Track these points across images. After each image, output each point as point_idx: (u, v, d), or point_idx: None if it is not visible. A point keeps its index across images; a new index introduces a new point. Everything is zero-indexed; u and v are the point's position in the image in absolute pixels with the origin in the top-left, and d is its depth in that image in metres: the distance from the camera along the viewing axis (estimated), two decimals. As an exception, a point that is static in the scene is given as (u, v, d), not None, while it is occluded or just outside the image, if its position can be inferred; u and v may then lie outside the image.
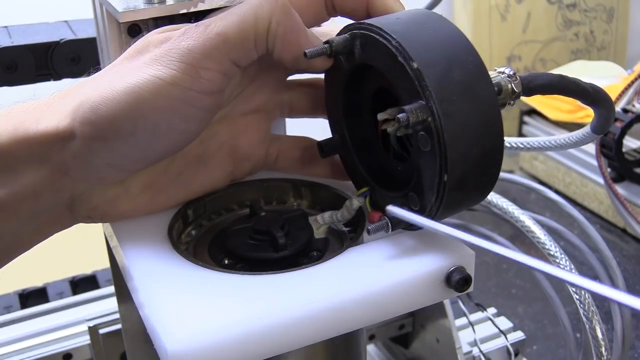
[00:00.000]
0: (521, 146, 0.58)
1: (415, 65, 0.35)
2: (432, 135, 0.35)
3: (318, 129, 0.51)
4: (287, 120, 0.56)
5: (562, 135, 0.55)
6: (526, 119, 1.37)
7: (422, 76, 0.35)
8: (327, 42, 0.40)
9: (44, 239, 0.43)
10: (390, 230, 0.40)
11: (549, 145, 0.57)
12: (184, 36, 0.39)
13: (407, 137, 0.42)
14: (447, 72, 0.35)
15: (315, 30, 0.45)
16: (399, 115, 0.35)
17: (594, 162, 1.10)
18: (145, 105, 0.38)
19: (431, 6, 0.60)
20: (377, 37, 0.37)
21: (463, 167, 0.36)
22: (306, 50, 0.40)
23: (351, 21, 0.41)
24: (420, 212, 0.39)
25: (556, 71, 1.42)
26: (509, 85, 0.40)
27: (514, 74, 0.40)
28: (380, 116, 0.40)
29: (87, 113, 0.38)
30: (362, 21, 0.39)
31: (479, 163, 0.37)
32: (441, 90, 0.35)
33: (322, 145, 0.45)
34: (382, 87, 0.41)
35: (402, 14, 0.39)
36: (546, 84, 0.42)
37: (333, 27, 0.44)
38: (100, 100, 0.38)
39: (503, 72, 0.40)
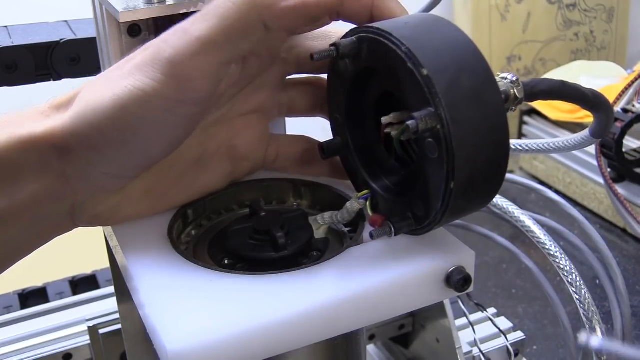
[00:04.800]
0: (520, 148, 0.58)
1: (425, 72, 0.35)
2: (440, 142, 0.35)
3: (318, 128, 0.51)
4: (287, 120, 0.56)
5: (561, 139, 0.55)
6: (526, 118, 1.37)
7: (432, 83, 0.35)
8: (333, 44, 0.39)
9: (45, 243, 0.43)
10: (393, 235, 0.40)
11: (547, 148, 0.57)
12: (165, 44, 0.37)
13: (409, 142, 0.42)
14: (456, 79, 0.35)
15: (317, 31, 0.44)
16: (408, 123, 0.35)
17: (594, 162, 1.10)
18: (131, 117, 0.37)
19: (431, 6, 0.60)
20: (386, 42, 0.37)
21: (469, 174, 0.36)
22: (313, 53, 0.39)
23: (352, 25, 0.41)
24: (425, 218, 0.39)
25: (556, 71, 1.42)
26: (512, 91, 0.40)
27: (517, 79, 0.40)
28: (385, 120, 0.40)
29: (78, 123, 0.38)
30: (370, 25, 0.38)
31: (485, 170, 0.37)
32: (450, 97, 0.35)
33: (324, 147, 0.44)
34: (387, 90, 0.41)
35: (410, 19, 0.39)
36: (548, 89, 0.42)
37: (333, 29, 0.44)
38: (89, 111, 0.38)
39: (506, 78, 0.40)
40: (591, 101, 0.44)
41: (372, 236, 0.39)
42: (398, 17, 0.40)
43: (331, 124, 0.46)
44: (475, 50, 0.37)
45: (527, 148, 0.58)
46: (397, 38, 0.36)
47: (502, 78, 0.41)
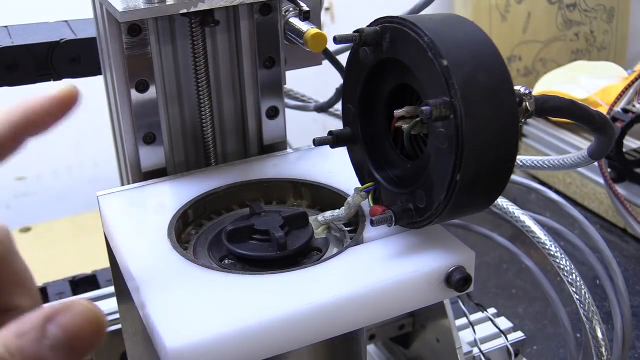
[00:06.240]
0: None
1: (445, 62, 0.36)
2: (451, 132, 0.36)
3: (319, 128, 0.51)
4: (287, 120, 0.56)
5: (557, 157, 0.56)
6: (526, 119, 1.37)
7: (450, 74, 0.35)
8: (357, 31, 0.40)
9: None
10: (393, 223, 0.40)
11: (541, 165, 0.58)
12: None
13: (416, 138, 0.43)
14: (474, 74, 0.36)
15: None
16: (423, 108, 0.35)
17: (594, 162, 1.10)
18: None
19: (422, 5, 0.60)
20: (409, 31, 0.37)
21: (476, 169, 0.36)
22: (336, 35, 0.40)
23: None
24: (426, 209, 0.39)
25: (556, 71, 1.42)
26: (524, 103, 0.41)
27: (529, 92, 0.41)
28: (397, 113, 0.41)
29: None
30: (395, 15, 0.39)
31: (492, 168, 0.37)
32: (467, 90, 0.35)
33: (335, 135, 0.45)
34: (402, 83, 0.41)
35: (435, 15, 0.40)
36: (558, 107, 0.43)
37: None
38: None
39: (519, 90, 0.41)
40: (597, 123, 0.45)
41: (372, 223, 0.40)
42: (421, 14, 0.40)
43: (343, 114, 0.46)
44: (495, 51, 0.38)
45: (521, 164, 0.59)
46: (421, 29, 0.37)
47: (516, 90, 0.41)
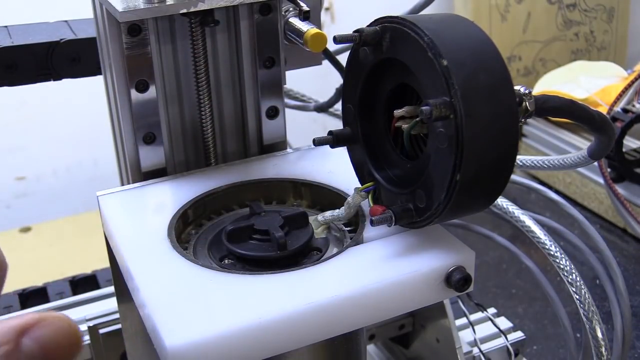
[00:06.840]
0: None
1: (445, 62, 0.36)
2: (451, 132, 0.36)
3: (319, 128, 0.51)
4: (287, 120, 0.56)
5: (557, 157, 0.56)
6: (526, 118, 1.37)
7: (450, 74, 0.35)
8: (357, 31, 0.40)
9: None
10: (393, 223, 0.40)
11: (541, 165, 0.58)
12: None
13: (417, 138, 0.43)
14: (474, 74, 0.36)
15: None
16: (423, 108, 0.35)
17: (594, 162, 1.10)
18: None
19: (423, 5, 0.60)
20: (409, 31, 0.37)
21: (476, 169, 0.36)
22: (336, 35, 0.40)
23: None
24: (426, 209, 0.39)
25: (556, 71, 1.42)
26: (525, 103, 0.41)
27: (529, 92, 0.41)
28: (397, 113, 0.41)
29: None
30: (395, 15, 0.39)
31: (492, 168, 0.37)
32: (467, 90, 0.35)
33: (335, 135, 0.45)
34: (402, 83, 0.41)
35: (435, 15, 0.40)
36: (558, 107, 0.43)
37: None
38: None
39: (519, 90, 0.41)
40: (597, 123, 0.45)
41: (372, 223, 0.40)
42: (421, 14, 0.40)
43: (343, 114, 0.46)
44: (496, 51, 0.38)
45: (521, 164, 0.59)
46: (421, 29, 0.37)
47: (515, 90, 0.41)
